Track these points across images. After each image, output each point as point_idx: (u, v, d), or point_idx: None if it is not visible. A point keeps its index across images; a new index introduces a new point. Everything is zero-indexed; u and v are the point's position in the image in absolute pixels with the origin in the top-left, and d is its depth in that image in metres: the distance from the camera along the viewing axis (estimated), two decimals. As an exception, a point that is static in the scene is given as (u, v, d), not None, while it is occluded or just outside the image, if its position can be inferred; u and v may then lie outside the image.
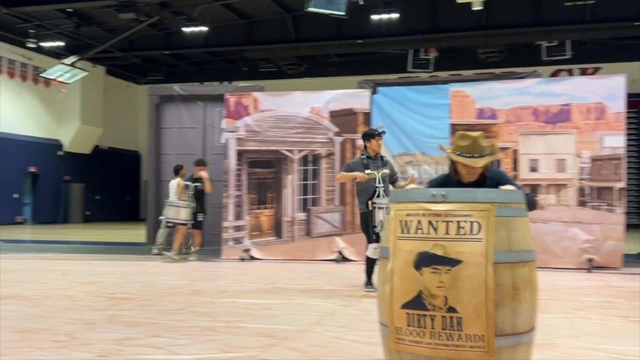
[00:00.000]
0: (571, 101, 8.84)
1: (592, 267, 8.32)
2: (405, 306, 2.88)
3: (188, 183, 9.81)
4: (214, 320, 4.98)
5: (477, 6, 16.10)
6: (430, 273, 2.82)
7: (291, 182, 9.80)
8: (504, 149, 9.09)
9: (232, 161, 9.83)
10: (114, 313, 5.23)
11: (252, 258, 9.58)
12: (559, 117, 8.88)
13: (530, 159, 8.96)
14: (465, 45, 20.99)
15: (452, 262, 2.80)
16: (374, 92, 10.17)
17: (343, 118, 9.78)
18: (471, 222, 2.83)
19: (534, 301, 2.96)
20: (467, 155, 3.51)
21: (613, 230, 8.50)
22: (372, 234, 6.41)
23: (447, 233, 2.84)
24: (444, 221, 2.86)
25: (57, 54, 21.40)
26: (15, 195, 21.77)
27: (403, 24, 18.77)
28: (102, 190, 25.35)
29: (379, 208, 6.26)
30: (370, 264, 6.53)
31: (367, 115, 9.77)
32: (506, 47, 20.80)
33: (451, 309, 2.78)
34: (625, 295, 6.40)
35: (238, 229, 9.75)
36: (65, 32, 20.18)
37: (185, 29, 19.64)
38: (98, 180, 25.02)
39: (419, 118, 10.02)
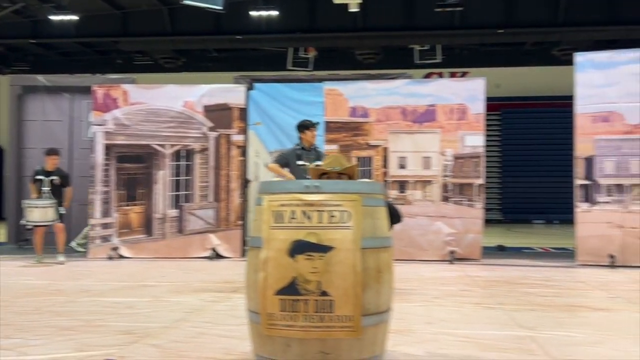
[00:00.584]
0: (436, 102, 9.29)
1: (454, 258, 8.79)
2: (280, 292, 3.02)
3: (41, 178, 8.72)
4: (72, 320, 4.76)
5: (353, 8, 16.50)
6: (304, 260, 3.00)
7: (163, 177, 9.55)
8: (375, 146, 9.40)
9: (99, 156, 9.42)
10: (-36, 315, 4.86)
11: (121, 257, 9.23)
12: (425, 117, 9.30)
13: (399, 157, 9.31)
14: (343, 46, 21.45)
15: (325, 249, 3.00)
16: (250, 88, 10.15)
17: (218, 113, 9.67)
18: (342, 212, 3.05)
19: (392, 283, 3.25)
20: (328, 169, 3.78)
21: (473, 224, 9.03)
22: None
23: (320, 222, 3.04)
24: (317, 210, 3.05)
25: None
26: None
27: (282, 22, 18.87)
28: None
29: None
30: None
31: (243, 111, 9.73)
32: (382, 49, 21.50)
33: (324, 293, 2.98)
34: (481, 284, 6.82)
35: (106, 226, 9.36)
36: None
37: (54, 17, 18.56)
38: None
39: (295, 115, 10.05)
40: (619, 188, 8.35)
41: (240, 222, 9.53)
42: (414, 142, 9.29)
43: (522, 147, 22.09)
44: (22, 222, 8.78)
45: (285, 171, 6.72)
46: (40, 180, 8.74)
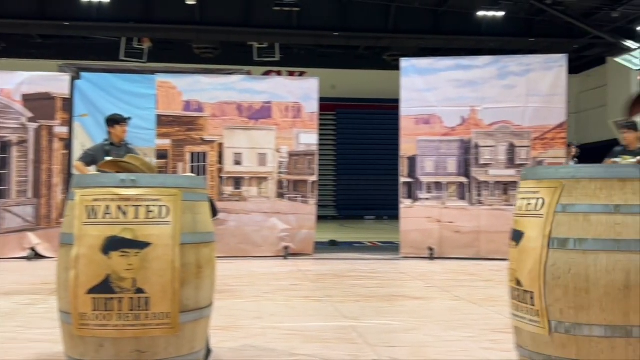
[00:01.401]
0: (272, 99, 9.38)
1: (288, 254, 8.93)
2: (92, 291, 2.85)
3: None
4: None
5: (190, 0, 16.21)
6: (119, 257, 2.85)
7: (-25, 171, 8.70)
8: (209, 142, 9.28)
9: None
10: None
11: None
12: (261, 113, 9.35)
13: (234, 153, 9.27)
14: (179, 39, 20.96)
15: (141, 245, 2.87)
16: (76, 77, 9.57)
17: (38, 103, 8.98)
18: (160, 206, 2.93)
19: (213, 278, 3.18)
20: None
21: (306, 220, 9.24)
22: None
23: (136, 217, 2.90)
24: (133, 205, 2.90)
25: None
26: None
27: (115, 10, 18.01)
28: None
29: None
30: None
31: (68, 101, 9.14)
32: (220, 45, 21.30)
33: (139, 290, 2.85)
34: (311, 278, 7.00)
35: None
36: None
37: None
38: None
39: (126, 107, 9.63)
40: (438, 186, 8.98)
41: (62, 220, 8.92)
42: (249, 138, 9.30)
43: (356, 147, 23.06)
44: None
45: (91, 170, 6.41)
46: None
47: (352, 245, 11.34)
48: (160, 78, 9.40)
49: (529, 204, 2.85)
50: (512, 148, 8.74)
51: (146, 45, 20.27)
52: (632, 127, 7.24)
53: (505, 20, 18.50)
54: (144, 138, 9.39)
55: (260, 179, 9.26)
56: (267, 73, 23.31)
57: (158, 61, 19.86)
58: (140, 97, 9.83)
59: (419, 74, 9.06)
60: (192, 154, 9.20)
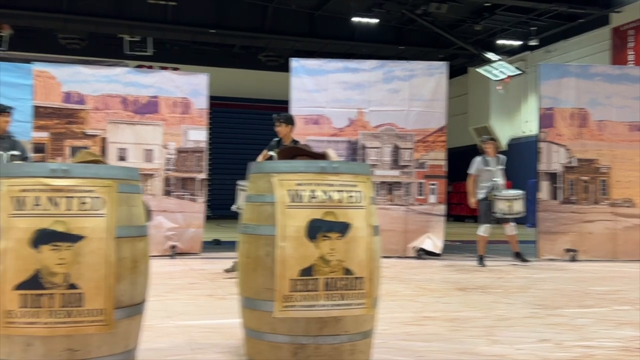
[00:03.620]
0: (159, 94, 9.14)
1: (175, 253, 8.73)
2: (20, 287, 2.68)
3: None
4: None
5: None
6: (49, 250, 2.70)
7: None
8: (92, 136, 8.86)
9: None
10: None
11: None
12: (148, 108, 9.08)
13: (119, 148, 8.92)
14: (44, 27, 19.73)
15: (74, 238, 2.73)
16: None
17: None
18: (94, 198, 2.80)
19: (148, 274, 3.11)
20: None
21: (195, 219, 9.10)
22: None
23: (68, 209, 2.75)
24: (65, 197, 2.75)
25: None
26: None
27: (-29, -8, 16.63)
28: None
29: None
30: None
31: None
32: (88, 36, 20.28)
33: (72, 286, 2.71)
34: (208, 277, 6.91)
35: None
36: None
37: None
38: None
39: (-4, 98, 8.99)
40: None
41: None
42: (135, 133, 8.99)
43: (229, 146, 22.92)
44: None
45: None
46: None
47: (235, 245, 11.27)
48: (37, 67, 8.84)
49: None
50: (396, 150, 9.15)
51: (6, 32, 18.89)
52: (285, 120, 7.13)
53: (378, 27, 19.29)
54: (17, 131, 8.78)
55: (147, 176, 8.97)
56: (139, 67, 22.57)
57: (20, 49, 18.56)
58: (13, 87, 9.18)
59: (309, 74, 9.23)
60: (73, 148, 8.73)
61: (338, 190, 3.05)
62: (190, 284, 6.35)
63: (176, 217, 8.97)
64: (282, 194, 3.03)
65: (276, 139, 7.08)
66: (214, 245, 10.60)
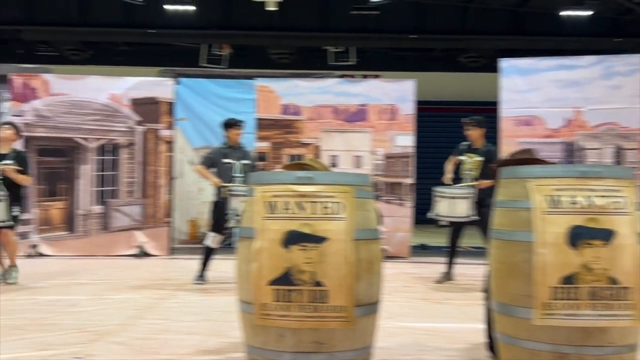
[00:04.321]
0: (367, 102, 9.46)
1: (384, 257, 8.94)
2: (273, 282, 2.97)
3: None
4: (16, 319, 4.46)
5: (271, 6, 16.48)
6: (298, 250, 2.97)
7: (86, 172, 9.13)
8: (307, 144, 9.44)
9: (17, 148, 8.84)
10: None
11: (41, 255, 8.74)
12: (357, 116, 9.44)
13: (330, 155, 9.39)
14: (258, 45, 21.32)
15: (319, 240, 2.98)
16: (176, 83, 9.92)
17: (145, 107, 9.35)
18: (335, 203, 3.03)
19: (381, 275, 3.28)
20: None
21: (402, 223, 9.26)
22: (222, 223, 6.23)
23: (313, 212, 3.01)
24: (310, 202, 3.01)
25: None
26: None
27: (197, 17, 18.49)
28: None
29: (234, 196, 6.07)
30: (207, 254, 6.37)
31: (171, 106, 9.47)
32: (296, 50, 21.57)
33: (318, 283, 2.95)
34: (420, 281, 7.02)
35: (24, 222, 8.79)
36: None
37: (-51, 0, 17.27)
38: None
39: (221, 111, 9.94)
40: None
41: (167, 220, 9.27)
42: (345, 140, 9.40)
43: (433, 150, 22.88)
44: None
45: (211, 173, 6.66)
46: None
47: (441, 250, 11.24)
48: (259, 82, 9.63)
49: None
50: (619, 151, 8.51)
51: (226, 51, 20.74)
52: (476, 124, 6.82)
53: (590, 19, 18.03)
54: (242, 142, 9.66)
55: (356, 181, 9.32)
56: (341, 77, 23.51)
57: (235, 67, 20.31)
58: (236, 102, 10.10)
59: (520, 74, 8.94)
60: (290, 156, 9.37)
61: (601, 196, 2.95)
62: (405, 287, 6.49)
63: (385, 221, 9.19)
64: (539, 200, 2.98)
65: (465, 142, 6.97)
66: (421, 250, 10.67)
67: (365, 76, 23.63)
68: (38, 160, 8.95)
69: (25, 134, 8.88)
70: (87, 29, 19.33)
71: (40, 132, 8.98)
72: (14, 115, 8.93)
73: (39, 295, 5.55)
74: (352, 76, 23.42)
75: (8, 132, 6.44)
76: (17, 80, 9.06)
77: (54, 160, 9.04)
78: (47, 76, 9.32)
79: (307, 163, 3.51)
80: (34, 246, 8.73)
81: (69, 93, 9.14)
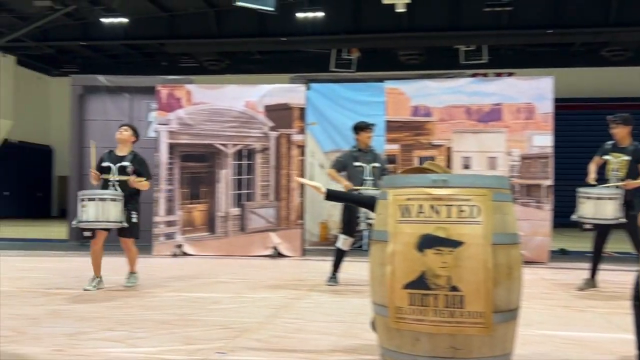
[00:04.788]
0: (502, 101, 9.15)
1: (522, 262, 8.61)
2: (408, 286, 2.96)
3: (109, 165, 6.17)
4: (165, 314, 4.78)
5: (400, 8, 16.44)
6: (433, 254, 2.93)
7: (225, 176, 9.60)
8: (438, 146, 9.31)
9: (163, 155, 9.51)
10: (56, 308, 4.92)
11: (185, 254, 9.31)
12: (491, 116, 9.17)
13: (463, 157, 9.19)
14: (387, 47, 21.35)
15: (455, 244, 2.92)
16: (307, 88, 10.16)
17: (278, 113, 9.68)
18: (471, 206, 2.97)
19: (521, 280, 3.16)
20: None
21: (541, 227, 8.86)
22: (352, 225, 6.34)
23: (448, 216, 2.96)
24: (445, 205, 2.97)
25: (-38, 41, 20.02)
26: None
27: (327, 23, 18.87)
28: (11, 185, 23.92)
29: None
30: (339, 256, 6.49)
31: (303, 111, 9.71)
32: (425, 50, 21.35)
33: (454, 288, 2.90)
34: (560, 287, 6.68)
35: (170, 224, 9.44)
36: (-28, 17, 18.94)
37: (104, 20, 18.86)
38: (7, 175, 23.59)
39: (351, 115, 10.04)
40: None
41: (300, 222, 9.52)
42: (478, 141, 9.16)
43: (571, 150, 21.70)
44: (74, 223, 6.14)
45: (342, 176, 6.72)
46: (108, 167, 6.18)
47: (584, 255, 10.62)
48: (388, 85, 9.63)
49: None
50: None
51: (355, 55, 20.95)
52: (622, 121, 6.26)
53: None
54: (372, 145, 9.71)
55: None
56: (473, 76, 22.93)
57: (364, 70, 20.44)
58: (366, 105, 10.17)
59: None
60: (421, 158, 9.29)
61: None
62: (543, 294, 6.20)
63: (521, 224, 8.83)
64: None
65: (610, 142, 6.51)
66: (560, 255, 10.15)
67: (498, 74, 22.97)
68: (182, 166, 9.55)
69: (170, 141, 9.54)
70: (223, 40, 20.39)
71: (183, 139, 9.56)
72: (160, 124, 9.59)
73: (184, 293, 5.90)
74: (484, 75, 22.84)
75: (126, 133, 6.30)
76: (163, 91, 9.71)
77: (196, 165, 9.60)
78: (190, 86, 9.89)
79: (427, 167, 3.46)
80: (179, 246, 9.31)
81: (209, 102, 9.66)
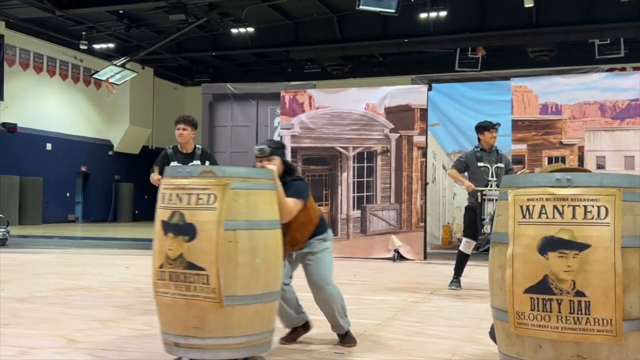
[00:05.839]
0: (640, 96, 8.54)
1: None
2: (529, 290, 2.82)
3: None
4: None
5: (528, 3, 15.78)
6: (556, 257, 2.76)
7: (346, 179, 9.68)
8: (569, 145, 8.84)
9: (287, 158, 9.75)
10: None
11: (307, 255, 9.48)
12: (627, 112, 8.58)
13: (597, 156, 8.67)
14: (514, 44, 20.58)
15: (580, 247, 2.74)
16: (429, 89, 10.01)
17: (399, 114, 9.62)
18: (598, 207, 2.77)
19: (656, 287, 2.88)
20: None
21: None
22: (479, 228, 6.22)
23: (573, 217, 2.77)
24: (570, 205, 2.79)
25: (107, 56, 21.73)
26: (67, 194, 22.17)
27: (451, 23, 18.49)
28: (150, 189, 25.56)
29: (489, 200, 6.03)
30: (461, 260, 6.37)
31: (424, 112, 9.58)
32: (556, 46, 20.33)
33: (579, 293, 2.72)
34: None
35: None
36: (116, 33, 20.47)
37: (233, 30, 19.71)
38: (146, 179, 25.29)
39: (475, 115, 9.78)
40: None
41: (421, 224, 9.39)
42: (614, 140, 8.60)
43: None
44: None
45: (464, 177, 6.53)
46: None
47: None
48: (515, 82, 9.28)
49: None
50: None
51: (480, 53, 20.38)
52: None
53: None
54: (498, 145, 9.39)
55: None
56: (609, 71, 21.55)
57: (490, 68, 19.81)
58: (490, 104, 9.89)
59: None
60: (550, 158, 8.86)
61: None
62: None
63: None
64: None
65: None
66: None
67: (637, 69, 21.41)
68: (304, 169, 9.74)
69: (293, 144, 9.77)
70: (346, 45, 20.61)
71: (306, 143, 9.76)
72: (283, 129, 9.86)
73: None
74: (623, 69, 21.41)
75: (185, 132, 5.77)
76: (286, 96, 9.98)
77: (318, 168, 9.76)
78: (311, 91, 10.09)
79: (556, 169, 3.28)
80: (302, 247, 9.50)
81: (331, 105, 9.80)
